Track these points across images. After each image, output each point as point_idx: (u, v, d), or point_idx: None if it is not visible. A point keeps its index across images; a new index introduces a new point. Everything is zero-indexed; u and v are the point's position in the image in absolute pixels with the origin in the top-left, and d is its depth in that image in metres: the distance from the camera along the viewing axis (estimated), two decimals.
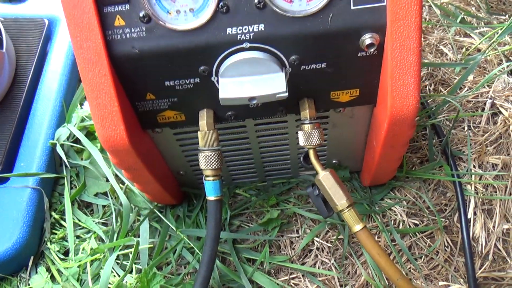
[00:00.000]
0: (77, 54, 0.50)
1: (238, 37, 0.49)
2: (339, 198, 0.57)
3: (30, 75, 0.82)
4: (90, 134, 0.80)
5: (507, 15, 1.02)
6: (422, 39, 0.91)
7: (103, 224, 0.76)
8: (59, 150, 0.75)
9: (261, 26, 0.49)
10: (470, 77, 0.86)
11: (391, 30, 0.48)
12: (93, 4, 0.47)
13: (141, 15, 0.48)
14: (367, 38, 0.49)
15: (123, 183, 0.75)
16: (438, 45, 0.93)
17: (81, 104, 0.81)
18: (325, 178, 0.57)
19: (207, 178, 0.58)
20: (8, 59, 0.79)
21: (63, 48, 0.88)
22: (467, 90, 0.84)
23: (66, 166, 0.77)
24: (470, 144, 0.77)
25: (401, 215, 0.73)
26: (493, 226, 0.71)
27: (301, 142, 0.57)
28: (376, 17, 0.48)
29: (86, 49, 0.49)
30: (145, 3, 0.48)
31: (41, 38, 0.87)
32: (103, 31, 0.49)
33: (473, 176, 0.74)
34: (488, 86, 0.82)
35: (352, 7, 0.48)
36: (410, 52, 0.49)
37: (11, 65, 0.80)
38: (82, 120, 0.77)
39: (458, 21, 0.96)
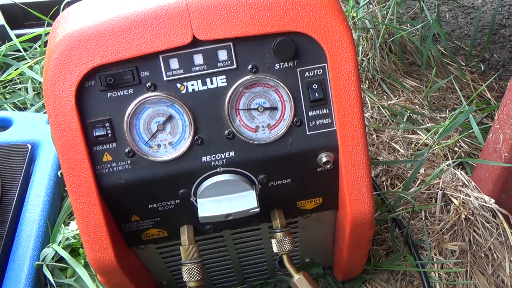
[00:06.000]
0: (69, 187, 0.56)
1: (212, 164, 0.57)
2: None
3: (15, 199, 0.86)
4: (74, 251, 0.83)
5: (447, 110, 1.15)
6: (376, 139, 1.01)
7: None
8: (45, 271, 0.78)
9: (232, 153, 0.57)
10: (421, 170, 0.96)
11: (342, 149, 0.57)
12: (84, 145, 0.54)
13: (126, 151, 0.55)
14: (323, 157, 0.57)
15: None
16: (390, 142, 1.03)
17: (65, 223, 0.86)
18: (299, 281, 0.62)
19: None
20: None
21: (45, 170, 0.93)
22: (420, 182, 0.93)
23: (52, 285, 0.79)
24: (429, 233, 0.84)
25: None
26: None
27: (275, 249, 0.63)
28: (329, 139, 0.57)
29: (78, 183, 0.55)
30: (130, 141, 0.55)
31: (25, 162, 0.93)
32: (93, 166, 0.55)
33: (435, 264, 0.80)
34: (438, 178, 0.92)
35: (307, 133, 0.57)
36: (361, 166, 0.57)
37: None
38: (67, 239, 0.81)
39: (405, 119, 1.08)
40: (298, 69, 0.55)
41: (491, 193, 0.86)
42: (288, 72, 0.55)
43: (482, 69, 1.34)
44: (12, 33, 1.22)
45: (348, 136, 0.56)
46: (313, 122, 0.57)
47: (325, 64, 0.55)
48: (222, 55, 0.54)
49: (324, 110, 0.56)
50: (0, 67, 1.24)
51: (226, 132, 0.56)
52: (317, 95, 0.55)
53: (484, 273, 0.81)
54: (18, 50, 1.22)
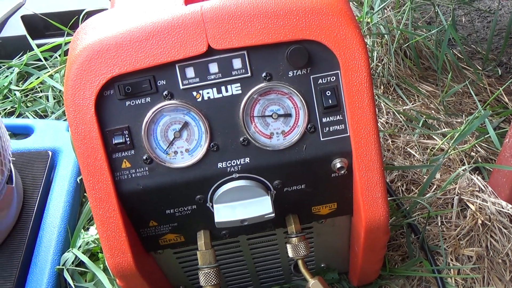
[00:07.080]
0: (89, 193, 0.57)
1: (228, 170, 0.58)
2: None
3: (36, 205, 0.89)
4: (93, 255, 0.85)
5: (464, 115, 1.14)
6: (391, 144, 1.02)
7: None
8: (66, 275, 0.80)
9: (247, 159, 0.58)
10: (437, 175, 0.95)
11: (356, 155, 0.57)
12: (104, 153, 0.56)
13: (144, 158, 0.57)
14: (337, 163, 0.58)
15: None
16: (406, 147, 1.03)
17: (85, 228, 0.87)
18: (315, 286, 0.63)
19: None
20: (16, 192, 0.86)
21: (66, 176, 0.95)
22: (436, 187, 0.93)
23: None
24: (445, 239, 0.84)
25: None
26: None
27: (290, 254, 0.64)
28: (342, 145, 0.57)
29: (98, 189, 0.57)
30: (147, 148, 0.56)
31: (46, 168, 0.95)
32: (112, 173, 0.57)
33: (451, 270, 0.80)
34: (454, 183, 0.91)
35: (321, 139, 0.57)
36: (375, 172, 0.58)
37: (19, 197, 0.87)
38: (87, 243, 0.83)
39: (420, 124, 1.08)
40: (311, 76, 0.56)
41: (508, 199, 0.86)
42: (301, 79, 0.56)
43: (499, 73, 1.33)
44: (33, 43, 1.26)
45: (361, 142, 0.57)
46: (327, 129, 0.57)
47: (338, 71, 0.56)
48: (237, 63, 0.55)
49: (338, 116, 0.57)
50: (22, 76, 1.27)
51: (241, 139, 0.57)
52: (330, 102, 0.56)
53: (501, 279, 0.80)
54: (39, 60, 1.26)
